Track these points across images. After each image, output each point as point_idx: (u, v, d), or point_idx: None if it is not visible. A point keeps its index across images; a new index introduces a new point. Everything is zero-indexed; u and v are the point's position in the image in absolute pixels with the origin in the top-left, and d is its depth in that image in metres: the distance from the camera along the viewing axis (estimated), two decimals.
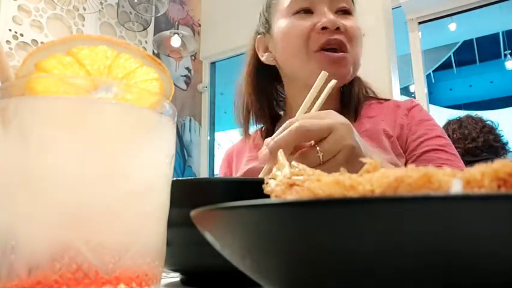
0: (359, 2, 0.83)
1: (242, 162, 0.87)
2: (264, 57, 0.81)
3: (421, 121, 0.76)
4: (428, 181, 0.18)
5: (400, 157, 0.73)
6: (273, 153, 0.49)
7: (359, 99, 0.80)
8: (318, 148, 0.48)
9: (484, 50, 5.77)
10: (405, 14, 2.44)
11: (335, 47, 0.70)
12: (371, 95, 0.85)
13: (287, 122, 0.50)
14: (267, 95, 0.85)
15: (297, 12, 0.74)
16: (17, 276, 0.22)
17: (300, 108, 0.56)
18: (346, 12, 0.74)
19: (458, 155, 0.72)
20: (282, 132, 0.49)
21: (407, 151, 0.73)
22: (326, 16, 0.71)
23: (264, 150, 0.50)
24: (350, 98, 0.80)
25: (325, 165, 0.48)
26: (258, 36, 0.83)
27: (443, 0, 2.35)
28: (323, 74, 0.54)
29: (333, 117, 0.50)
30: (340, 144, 0.49)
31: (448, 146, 0.72)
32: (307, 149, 0.49)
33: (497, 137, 1.72)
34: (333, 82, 0.54)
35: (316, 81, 0.55)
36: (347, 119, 0.52)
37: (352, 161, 0.50)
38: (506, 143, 1.73)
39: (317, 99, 0.56)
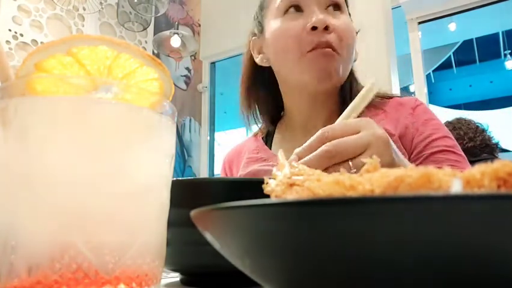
0: (359, 2, 0.83)
1: (241, 164, 0.86)
2: (258, 59, 0.82)
3: (427, 121, 0.74)
4: (428, 181, 0.18)
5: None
6: None
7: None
8: (350, 164, 0.44)
9: (483, 50, 5.77)
10: (405, 14, 2.45)
11: (325, 47, 0.70)
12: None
13: (320, 132, 0.46)
14: (263, 97, 0.85)
15: (287, 11, 0.73)
16: (17, 276, 0.22)
17: (340, 118, 0.52)
18: (337, 7, 0.73)
19: (465, 156, 0.71)
20: (311, 142, 0.46)
21: (413, 152, 0.72)
22: (315, 15, 0.70)
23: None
24: (351, 96, 0.77)
25: None
26: (253, 38, 0.83)
27: (443, 0, 2.35)
28: (371, 84, 0.51)
29: (370, 130, 0.47)
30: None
31: (455, 147, 0.71)
32: (338, 165, 0.45)
33: (490, 137, 1.75)
34: (373, 90, 0.51)
35: (362, 91, 0.52)
36: (384, 131, 0.48)
37: None
38: (498, 144, 1.77)
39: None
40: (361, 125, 0.47)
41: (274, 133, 0.87)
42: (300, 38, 0.70)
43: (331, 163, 0.44)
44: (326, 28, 0.69)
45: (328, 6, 0.73)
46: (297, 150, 0.48)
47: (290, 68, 0.74)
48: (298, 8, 0.73)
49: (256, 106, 0.86)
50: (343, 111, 0.76)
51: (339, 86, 0.77)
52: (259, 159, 0.83)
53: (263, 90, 0.84)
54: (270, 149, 0.85)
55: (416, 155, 0.71)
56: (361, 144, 0.45)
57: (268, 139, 0.87)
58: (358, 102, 0.52)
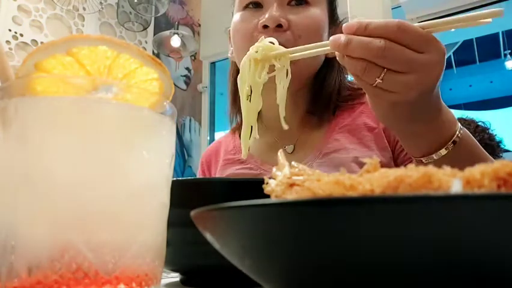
0: (359, 2, 0.82)
1: (218, 165, 0.82)
2: (229, 52, 0.77)
3: None
4: (428, 181, 0.18)
5: (384, 151, 0.69)
6: (344, 49, 0.41)
7: (333, 91, 0.73)
8: (383, 74, 0.40)
9: (484, 50, 5.76)
10: (405, 14, 2.45)
11: None
12: (350, 84, 0.78)
13: (397, 23, 0.40)
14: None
15: (247, 6, 0.69)
16: (17, 276, 0.22)
17: (428, 23, 0.43)
18: (301, 2, 0.67)
19: None
20: (377, 23, 0.40)
21: (398, 143, 0.69)
22: (270, 12, 0.64)
23: (340, 40, 0.42)
24: (322, 92, 0.73)
25: (373, 88, 0.42)
26: (228, 28, 0.77)
27: (443, 0, 2.35)
28: (497, 10, 0.40)
29: (432, 60, 0.41)
30: (403, 89, 0.41)
31: None
32: (374, 65, 0.41)
33: (492, 136, 1.75)
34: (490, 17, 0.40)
35: (477, 12, 0.42)
36: (440, 74, 0.42)
37: (393, 112, 0.45)
38: (500, 141, 1.76)
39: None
40: (430, 49, 0.41)
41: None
42: (251, 37, 0.66)
43: (371, 58, 0.41)
44: (280, 26, 0.64)
45: (291, 1, 0.67)
46: (362, 19, 0.42)
47: None
48: (258, 4, 0.68)
49: (234, 101, 0.81)
50: (316, 108, 0.72)
51: (308, 83, 0.72)
52: (236, 161, 0.79)
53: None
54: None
55: (401, 147, 0.69)
56: (412, 66, 0.41)
57: None
58: (463, 17, 0.42)
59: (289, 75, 0.48)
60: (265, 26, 0.64)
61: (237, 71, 0.72)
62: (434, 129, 0.48)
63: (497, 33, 5.20)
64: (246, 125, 0.49)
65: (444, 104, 0.49)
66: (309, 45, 0.47)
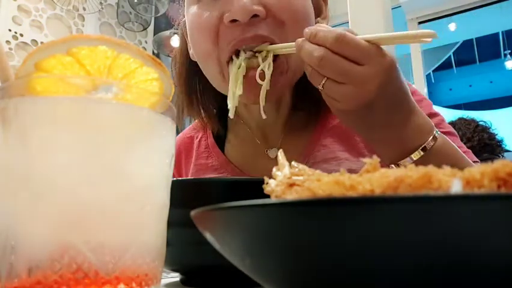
0: (359, 2, 0.82)
1: (189, 168, 0.73)
2: (190, 53, 0.63)
3: (417, 102, 0.63)
4: (428, 181, 0.18)
5: None
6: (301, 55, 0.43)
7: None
8: (324, 81, 0.42)
9: (483, 50, 5.78)
10: (405, 13, 2.45)
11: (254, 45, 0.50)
12: None
13: (341, 33, 0.40)
14: (206, 90, 0.67)
15: None
16: (17, 276, 0.22)
17: (373, 35, 0.43)
18: None
19: (454, 131, 0.62)
20: (324, 33, 0.41)
21: None
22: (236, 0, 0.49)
23: (298, 43, 0.44)
24: (307, 90, 0.63)
25: (322, 94, 0.44)
26: (184, 19, 0.63)
27: (443, 0, 2.36)
28: (429, 32, 0.41)
29: (367, 70, 0.41)
30: (342, 98, 0.43)
31: (443, 122, 0.63)
32: (317, 73, 0.43)
33: (492, 136, 1.75)
34: (424, 37, 0.42)
35: (413, 31, 0.45)
36: (379, 88, 0.41)
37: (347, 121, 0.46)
38: (501, 141, 1.76)
39: None
40: (370, 62, 0.41)
41: (226, 132, 0.73)
42: (215, 35, 0.52)
43: (313, 66, 0.42)
44: (255, 16, 0.49)
45: None
46: (312, 28, 0.43)
47: (213, 82, 0.59)
48: None
49: (199, 100, 0.69)
50: (303, 102, 0.66)
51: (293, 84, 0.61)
52: (209, 167, 0.70)
53: (204, 83, 0.64)
54: (223, 151, 0.71)
55: None
56: (349, 78, 0.41)
57: (219, 137, 0.73)
58: (399, 35, 0.43)
59: (271, 67, 0.50)
60: (234, 21, 0.49)
61: (198, 73, 0.62)
62: (401, 138, 0.46)
63: (497, 33, 5.21)
64: (232, 92, 0.51)
65: (420, 112, 0.47)
66: (284, 44, 0.50)
